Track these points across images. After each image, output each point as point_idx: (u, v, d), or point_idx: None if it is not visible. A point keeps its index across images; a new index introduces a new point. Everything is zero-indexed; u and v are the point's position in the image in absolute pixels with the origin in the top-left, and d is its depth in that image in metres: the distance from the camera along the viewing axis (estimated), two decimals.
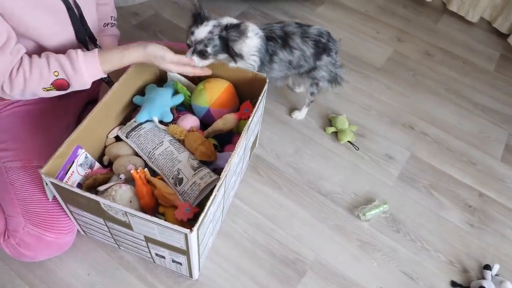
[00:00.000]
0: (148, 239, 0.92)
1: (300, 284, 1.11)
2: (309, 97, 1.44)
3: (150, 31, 1.84)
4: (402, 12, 2.15)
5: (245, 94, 1.20)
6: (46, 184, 0.89)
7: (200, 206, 1.01)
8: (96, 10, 1.11)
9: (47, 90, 0.91)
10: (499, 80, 1.83)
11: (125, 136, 1.09)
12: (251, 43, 1.13)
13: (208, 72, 1.11)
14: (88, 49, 1.06)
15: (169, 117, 1.11)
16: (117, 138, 1.12)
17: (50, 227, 0.96)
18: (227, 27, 1.05)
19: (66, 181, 0.94)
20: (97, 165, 1.06)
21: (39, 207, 0.97)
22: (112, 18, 1.20)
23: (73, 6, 0.97)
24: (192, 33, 1.06)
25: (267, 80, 1.12)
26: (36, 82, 0.89)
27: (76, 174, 0.97)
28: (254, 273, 1.11)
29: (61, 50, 0.94)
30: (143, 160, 1.08)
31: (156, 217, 0.81)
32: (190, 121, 1.12)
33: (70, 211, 0.97)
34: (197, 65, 1.08)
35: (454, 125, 1.60)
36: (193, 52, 1.06)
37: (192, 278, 1.06)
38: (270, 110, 1.54)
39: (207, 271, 1.10)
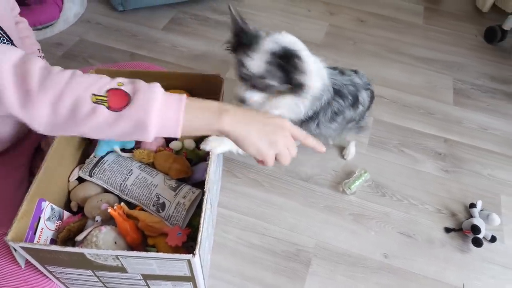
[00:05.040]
0: (146, 277, 0.85)
1: (308, 273, 1.08)
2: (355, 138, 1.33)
3: (79, 58, 1.71)
4: None
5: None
6: (15, 250, 0.78)
7: (189, 226, 0.96)
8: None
9: (96, 101, 0.61)
10: (430, 31, 1.92)
11: (88, 175, 0.99)
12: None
13: (322, 148, 0.77)
14: None
15: (131, 143, 1.03)
16: (80, 179, 1.02)
17: None
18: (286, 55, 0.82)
19: (37, 241, 0.83)
20: (66, 214, 0.95)
21: (13, 280, 0.85)
22: (39, 50, 1.08)
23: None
24: (243, 64, 0.82)
25: (223, 79, 1.07)
26: (86, 83, 0.62)
27: (46, 230, 0.87)
28: (260, 277, 1.07)
29: None
30: (115, 195, 0.99)
31: (148, 250, 0.75)
32: (155, 141, 1.05)
33: (50, 272, 0.86)
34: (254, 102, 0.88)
35: (404, 82, 1.66)
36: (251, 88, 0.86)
37: None
38: None
39: None
